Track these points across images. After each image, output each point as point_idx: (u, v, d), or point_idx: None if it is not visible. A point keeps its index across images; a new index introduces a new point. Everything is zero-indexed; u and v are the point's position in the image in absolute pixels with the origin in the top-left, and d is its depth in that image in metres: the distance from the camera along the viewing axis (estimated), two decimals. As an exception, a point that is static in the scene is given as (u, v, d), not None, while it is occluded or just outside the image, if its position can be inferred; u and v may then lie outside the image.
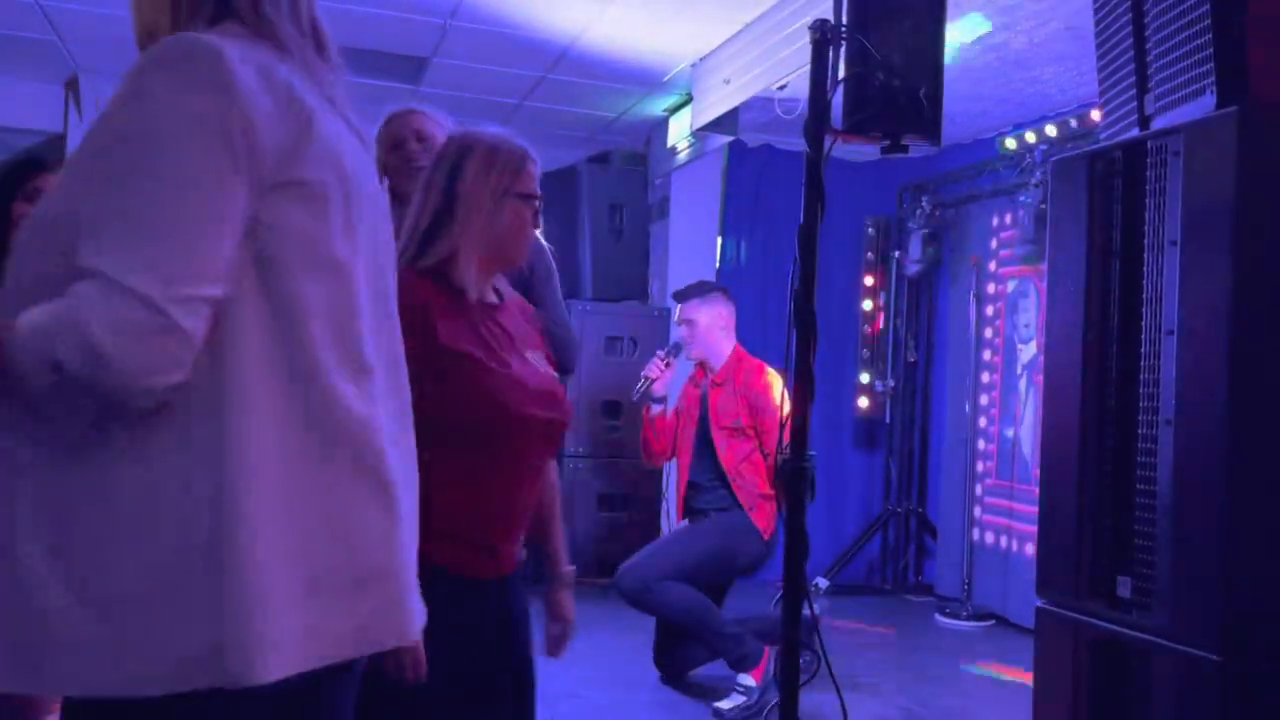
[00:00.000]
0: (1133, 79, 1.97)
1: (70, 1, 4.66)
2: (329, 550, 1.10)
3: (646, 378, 4.06)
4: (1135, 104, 1.96)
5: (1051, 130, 5.06)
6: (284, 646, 1.04)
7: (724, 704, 3.70)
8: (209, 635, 1.01)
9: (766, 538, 3.87)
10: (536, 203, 1.86)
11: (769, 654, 3.73)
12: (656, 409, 4.14)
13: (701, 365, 4.14)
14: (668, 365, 4.08)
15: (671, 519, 6.03)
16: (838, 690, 2.11)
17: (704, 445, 4.02)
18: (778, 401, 3.65)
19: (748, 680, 3.73)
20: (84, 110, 5.83)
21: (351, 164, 1.17)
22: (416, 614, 1.23)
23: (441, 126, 2.49)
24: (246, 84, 1.05)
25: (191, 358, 1.01)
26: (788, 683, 2.05)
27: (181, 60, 1.04)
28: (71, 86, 5.86)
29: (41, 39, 5.19)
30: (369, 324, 1.18)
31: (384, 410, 1.19)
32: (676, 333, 4.23)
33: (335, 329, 1.12)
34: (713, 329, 4.07)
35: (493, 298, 1.87)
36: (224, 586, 1.01)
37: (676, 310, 4.20)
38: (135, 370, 0.98)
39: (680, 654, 4.03)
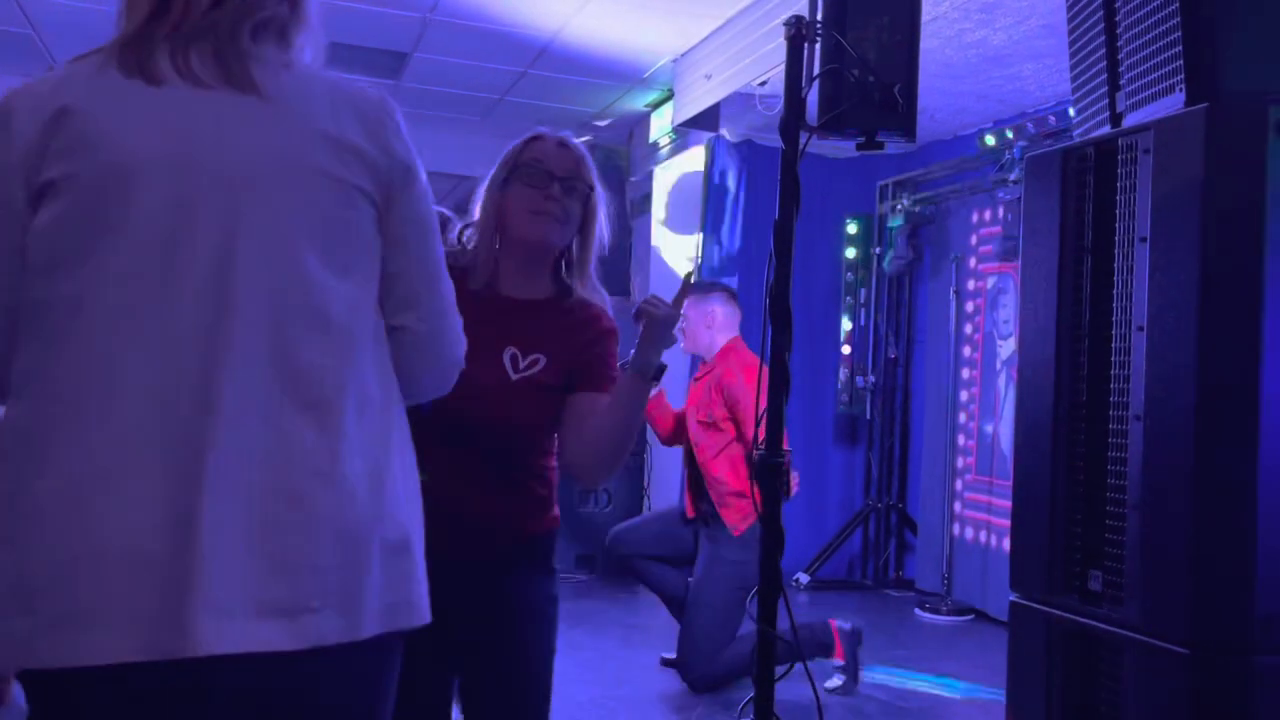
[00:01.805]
0: (1104, 76, 1.98)
1: (46, -6, 4.63)
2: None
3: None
4: (1107, 101, 1.97)
5: (1030, 127, 5.09)
6: None
7: (828, 684, 3.89)
8: None
9: (736, 535, 3.85)
10: (549, 174, 1.82)
11: (834, 626, 3.91)
12: (654, 390, 4.15)
13: (701, 360, 4.20)
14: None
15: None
16: (813, 685, 2.12)
17: (687, 439, 4.09)
18: (752, 389, 3.67)
19: (835, 662, 3.91)
20: None
21: (130, 136, 1.13)
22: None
23: None
24: (12, 114, 1.14)
25: None
26: (763, 677, 2.06)
27: None
28: (48, 80, 5.81)
29: (16, 32, 5.14)
30: (120, 312, 1.11)
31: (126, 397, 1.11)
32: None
33: (62, 329, 1.11)
34: (699, 326, 4.10)
35: (528, 293, 1.85)
36: None
37: None
38: None
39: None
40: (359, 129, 1.21)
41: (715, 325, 4.09)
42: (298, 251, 1.16)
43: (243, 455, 1.10)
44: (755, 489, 2.11)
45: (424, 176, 1.29)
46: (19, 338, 1.14)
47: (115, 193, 1.11)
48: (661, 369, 1.80)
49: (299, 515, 1.12)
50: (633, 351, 1.79)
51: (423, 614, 1.24)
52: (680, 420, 4.20)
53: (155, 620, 1.06)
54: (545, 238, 1.83)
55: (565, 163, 1.84)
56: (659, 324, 1.76)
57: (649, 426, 4.34)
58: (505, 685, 1.83)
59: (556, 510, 1.93)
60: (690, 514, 4.09)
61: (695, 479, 4.04)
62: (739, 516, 3.86)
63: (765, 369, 2.08)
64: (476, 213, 1.89)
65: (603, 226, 1.91)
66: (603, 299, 1.93)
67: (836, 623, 3.93)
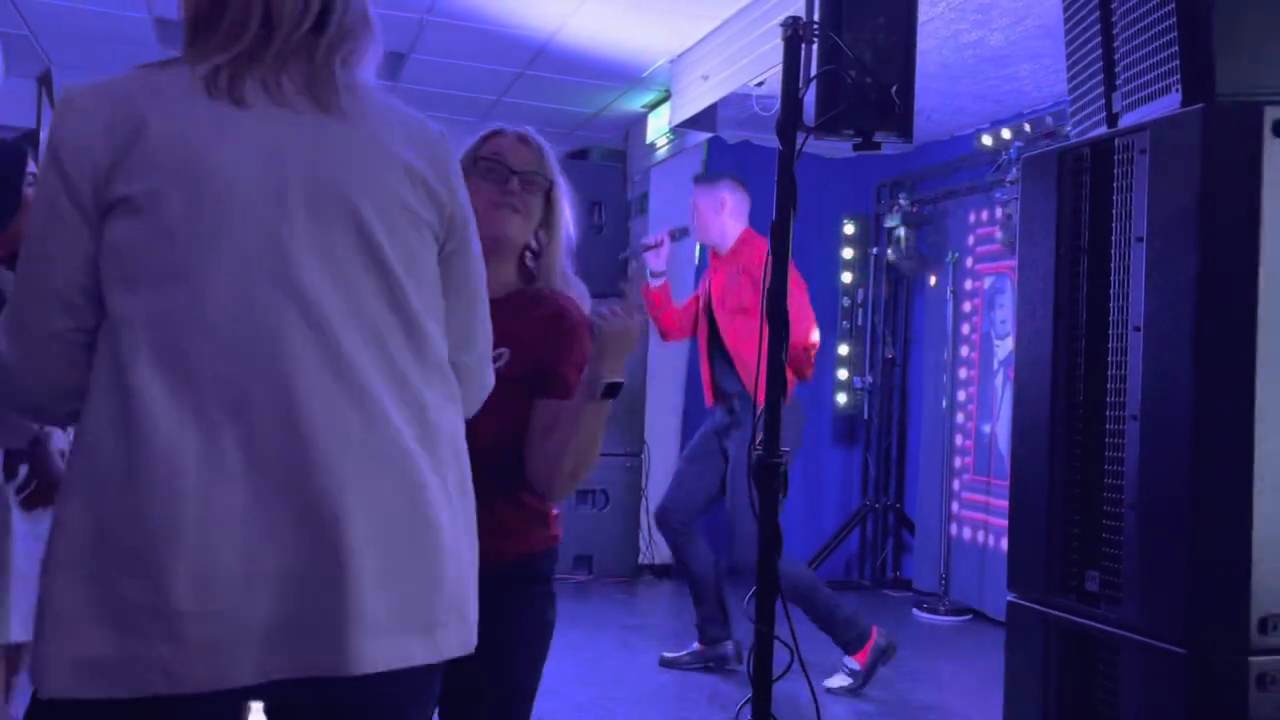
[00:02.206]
0: (1101, 76, 1.98)
1: (43, -4, 4.62)
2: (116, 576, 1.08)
3: (644, 244, 4.16)
4: (1103, 101, 1.98)
5: (1028, 127, 5.09)
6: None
7: (831, 682, 3.86)
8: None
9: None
10: (507, 169, 1.78)
11: (875, 631, 3.89)
12: (655, 283, 4.20)
13: (713, 252, 4.18)
14: (674, 239, 4.17)
15: (651, 514, 6.05)
16: (810, 685, 2.12)
17: (713, 328, 4.09)
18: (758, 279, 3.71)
19: (853, 663, 3.87)
20: (57, 105, 5.78)
21: (225, 159, 1.12)
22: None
23: None
24: (71, 118, 1.13)
25: (43, 381, 1.15)
26: (761, 677, 2.06)
27: None
28: (44, 81, 5.80)
29: (13, 33, 5.14)
30: (227, 331, 1.11)
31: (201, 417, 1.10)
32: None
33: (160, 343, 1.10)
34: (709, 212, 4.10)
35: (491, 289, 1.77)
36: (42, 604, 1.10)
37: None
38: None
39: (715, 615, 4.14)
40: (428, 164, 1.23)
41: (726, 210, 4.07)
42: (395, 281, 1.18)
43: (373, 478, 1.13)
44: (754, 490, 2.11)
45: (473, 213, 1.32)
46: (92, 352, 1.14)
47: (209, 214, 1.11)
48: (616, 387, 1.69)
49: (429, 537, 1.17)
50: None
51: (471, 637, 1.28)
52: (686, 316, 4.21)
53: (308, 639, 1.09)
54: (503, 231, 1.78)
55: (524, 157, 1.82)
56: (612, 338, 1.68)
57: (651, 325, 4.29)
58: None
59: (558, 529, 1.84)
60: (711, 402, 4.13)
61: (720, 368, 4.06)
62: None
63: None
64: None
65: (568, 219, 1.88)
66: (579, 291, 1.89)
67: (879, 630, 3.92)
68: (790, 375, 3.90)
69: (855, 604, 4.12)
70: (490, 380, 1.42)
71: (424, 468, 1.17)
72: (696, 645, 4.20)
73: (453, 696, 1.69)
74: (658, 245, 4.15)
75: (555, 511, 1.85)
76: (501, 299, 1.80)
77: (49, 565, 1.09)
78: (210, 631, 1.07)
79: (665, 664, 4.21)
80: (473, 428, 1.66)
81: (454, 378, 1.29)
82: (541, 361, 1.77)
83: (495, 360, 1.72)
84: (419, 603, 1.16)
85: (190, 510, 1.06)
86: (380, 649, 1.12)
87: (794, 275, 3.92)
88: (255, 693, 1.13)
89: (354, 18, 1.24)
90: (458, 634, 1.22)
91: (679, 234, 4.20)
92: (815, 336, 4.05)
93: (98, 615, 1.06)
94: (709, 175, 4.26)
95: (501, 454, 1.74)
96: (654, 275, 4.19)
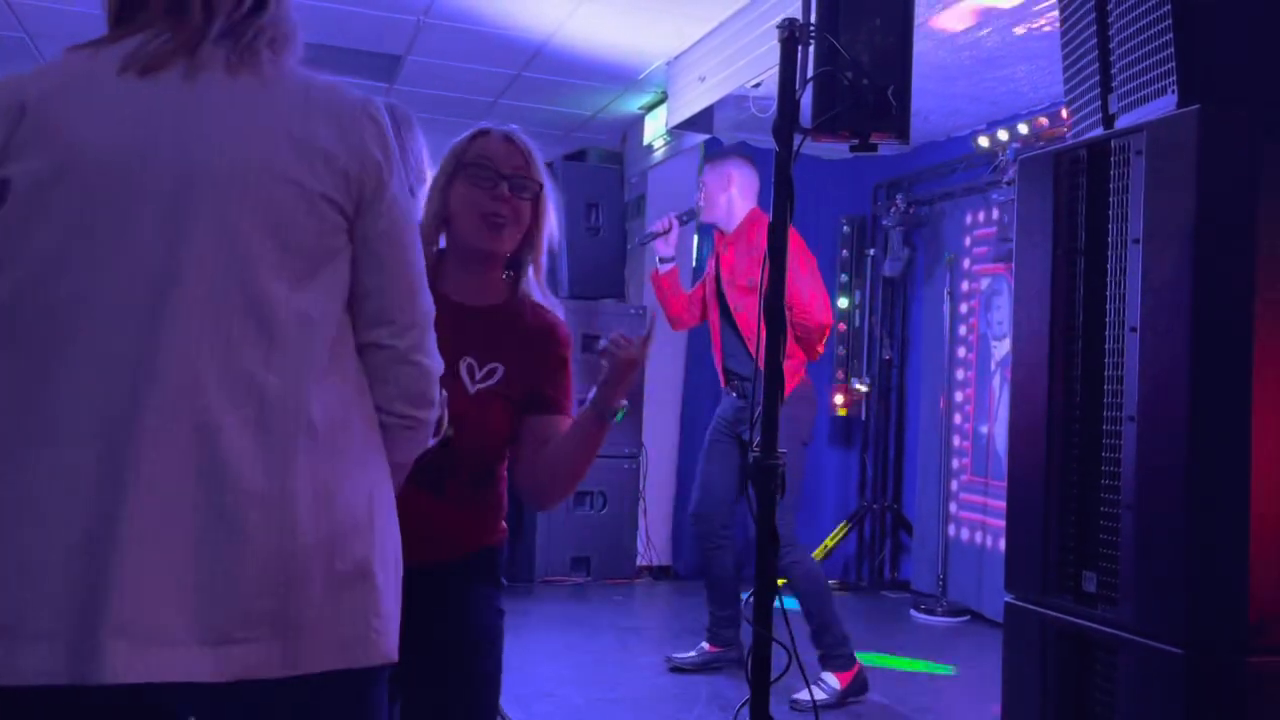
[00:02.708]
0: (1097, 78, 1.98)
1: (39, -2, 4.62)
2: None
3: (652, 231, 4.15)
4: (1100, 103, 1.98)
5: (1024, 128, 5.10)
6: None
7: (802, 695, 3.73)
8: None
9: (788, 393, 3.82)
10: (496, 173, 1.75)
11: (860, 665, 3.84)
12: (663, 268, 4.20)
13: (719, 231, 4.17)
14: (682, 223, 4.17)
15: (649, 515, 6.06)
16: (808, 686, 2.13)
17: (724, 307, 4.07)
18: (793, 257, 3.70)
19: (834, 681, 3.80)
20: None
21: (89, 136, 1.09)
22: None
23: None
24: None
25: None
26: (758, 678, 2.06)
27: None
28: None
29: (8, 35, 5.13)
30: (60, 316, 1.06)
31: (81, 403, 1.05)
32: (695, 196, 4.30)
33: (13, 328, 1.07)
34: (716, 190, 4.08)
35: (478, 298, 1.78)
36: None
37: None
38: None
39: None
40: (332, 133, 1.15)
41: (734, 186, 4.05)
42: (249, 258, 1.10)
43: (173, 470, 1.04)
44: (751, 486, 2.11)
45: (400, 184, 1.21)
46: None
47: (61, 187, 1.08)
48: (622, 410, 1.72)
49: (229, 537, 1.05)
50: (594, 390, 1.72)
51: (385, 651, 1.15)
52: (694, 301, 4.20)
53: (73, 643, 1.01)
54: (495, 246, 1.77)
55: (513, 159, 1.78)
56: (624, 366, 1.70)
57: (660, 310, 4.24)
58: (451, 710, 1.73)
59: (504, 522, 1.86)
60: (724, 383, 4.12)
61: (731, 349, 4.05)
62: (787, 373, 3.85)
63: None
64: (419, 213, 1.82)
65: (552, 225, 1.85)
66: (552, 304, 1.87)
67: (861, 666, 3.87)
68: (798, 366, 3.93)
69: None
70: (438, 362, 1.26)
71: (244, 463, 1.06)
72: (706, 645, 4.18)
73: (419, 690, 1.71)
74: (666, 231, 4.15)
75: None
76: (489, 310, 1.81)
77: None
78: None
79: (675, 667, 4.15)
80: (458, 435, 1.66)
81: (351, 359, 1.19)
82: (532, 382, 1.77)
83: (489, 377, 1.74)
84: (211, 612, 1.04)
85: None
86: (146, 660, 1.01)
87: (802, 251, 3.93)
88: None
89: (287, 7, 1.23)
90: (271, 653, 1.07)
91: (686, 217, 4.23)
92: (827, 316, 4.00)
93: None
94: (716, 153, 4.24)
95: (484, 461, 1.77)
96: (662, 261, 4.20)
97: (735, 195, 4.08)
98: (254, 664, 1.06)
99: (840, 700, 3.79)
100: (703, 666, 4.15)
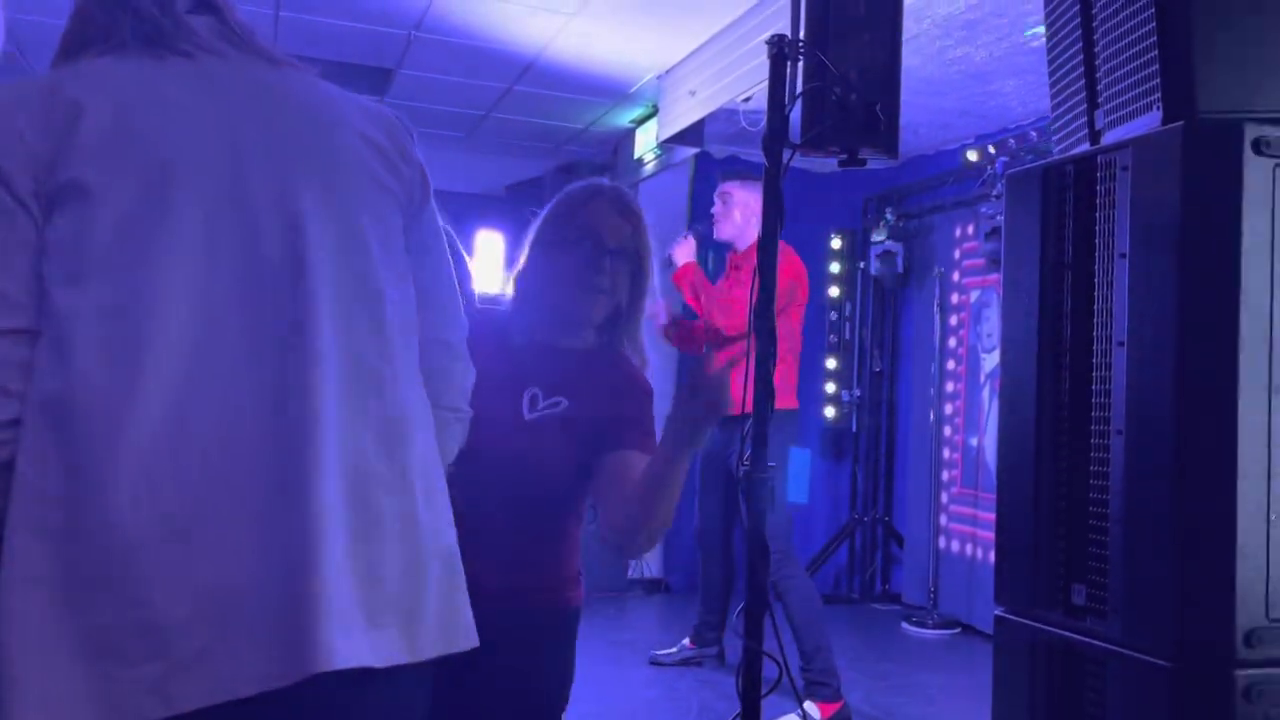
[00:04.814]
0: (1083, 94, 2.00)
1: (29, 14, 4.61)
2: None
3: (670, 256, 4.24)
4: (1086, 119, 1.99)
5: (1012, 143, 5.13)
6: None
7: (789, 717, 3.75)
8: None
9: (779, 406, 3.81)
10: (602, 248, 1.73)
11: (844, 706, 3.82)
12: (673, 271, 4.30)
13: (732, 249, 4.22)
14: (699, 237, 4.32)
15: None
16: (799, 699, 2.12)
17: None
18: (786, 284, 3.77)
19: (815, 712, 3.77)
20: None
21: (173, 136, 1.05)
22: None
23: None
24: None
25: None
26: (749, 693, 2.06)
27: None
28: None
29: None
30: (192, 319, 1.03)
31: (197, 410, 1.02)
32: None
33: (107, 338, 1.01)
34: (732, 208, 4.17)
35: (568, 343, 1.78)
36: (7, 642, 0.98)
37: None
38: None
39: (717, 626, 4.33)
40: (386, 137, 1.18)
41: (749, 207, 4.12)
42: (364, 250, 1.11)
43: (333, 470, 1.05)
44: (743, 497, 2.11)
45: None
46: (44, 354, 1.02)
47: (160, 197, 1.03)
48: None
49: (372, 524, 1.07)
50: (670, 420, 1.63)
51: (472, 636, 1.18)
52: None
53: (284, 641, 1.00)
54: (591, 313, 1.77)
55: (620, 234, 1.78)
56: (712, 386, 1.59)
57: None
58: None
59: (581, 590, 1.80)
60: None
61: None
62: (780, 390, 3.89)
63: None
64: (520, 262, 1.82)
65: (655, 285, 1.84)
66: (643, 360, 1.85)
67: (847, 704, 3.87)
68: (784, 386, 3.96)
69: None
70: (467, 370, 1.29)
71: (380, 459, 1.09)
72: (687, 642, 4.45)
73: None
74: (685, 242, 4.28)
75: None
76: (571, 353, 1.80)
77: (4, 598, 0.98)
78: (198, 639, 0.98)
79: (654, 662, 4.40)
80: (517, 458, 1.64)
81: (415, 347, 1.20)
82: (609, 416, 1.72)
83: (551, 407, 1.71)
84: (370, 601, 1.07)
85: (159, 513, 0.98)
86: (346, 647, 1.03)
87: (790, 254, 3.96)
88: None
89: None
90: (401, 640, 1.09)
91: (700, 231, 4.33)
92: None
93: (73, 643, 0.96)
94: (746, 172, 4.27)
95: (553, 498, 1.74)
96: (674, 265, 4.29)
97: (750, 215, 4.11)
98: (394, 650, 1.08)
99: None
100: (682, 662, 4.37)
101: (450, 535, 1.18)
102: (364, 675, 1.04)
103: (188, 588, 0.99)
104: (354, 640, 1.03)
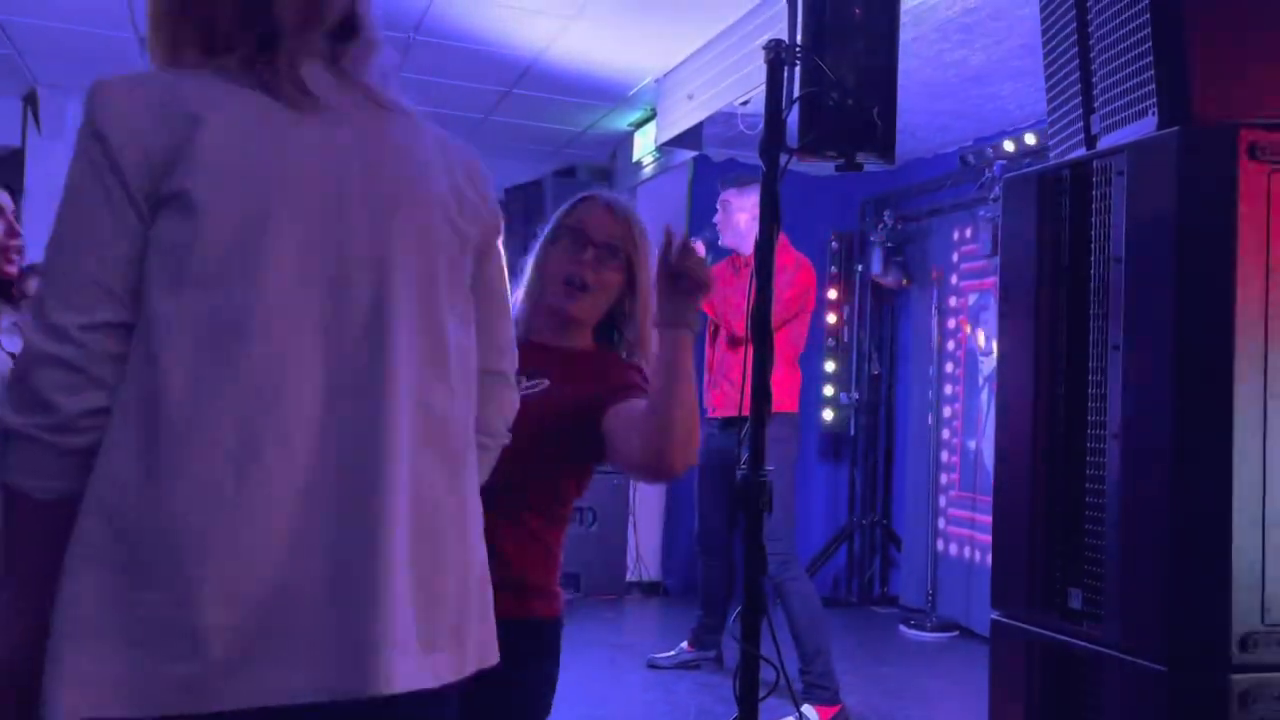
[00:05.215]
0: (1079, 99, 2.00)
1: (27, 16, 4.62)
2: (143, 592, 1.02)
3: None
4: (1082, 123, 2.00)
5: (1010, 145, 5.14)
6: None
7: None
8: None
9: (780, 409, 3.78)
10: (585, 239, 1.77)
11: (843, 709, 3.83)
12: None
13: (736, 254, 4.26)
14: (707, 246, 4.28)
15: (639, 531, 6.05)
16: (796, 703, 2.13)
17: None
18: (785, 284, 3.77)
19: (814, 716, 3.78)
20: (43, 124, 5.77)
21: (286, 164, 1.10)
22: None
23: None
24: (116, 106, 1.06)
25: (73, 377, 1.03)
26: (747, 696, 2.06)
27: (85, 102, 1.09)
28: (30, 100, 5.80)
29: (-1, 52, 5.14)
30: (279, 345, 1.07)
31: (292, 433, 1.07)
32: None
33: (206, 346, 1.05)
34: (737, 214, 4.16)
35: (565, 342, 1.80)
36: (55, 623, 1.03)
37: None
38: (19, 405, 1.03)
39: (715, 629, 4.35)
40: (468, 181, 1.24)
41: (754, 212, 4.10)
42: (436, 296, 1.17)
43: (402, 497, 1.10)
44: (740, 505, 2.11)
45: None
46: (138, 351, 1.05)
47: (265, 217, 1.07)
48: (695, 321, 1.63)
49: (433, 551, 1.13)
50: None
51: (495, 652, 1.24)
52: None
53: (341, 658, 1.05)
54: (570, 311, 1.79)
55: (604, 229, 1.80)
56: (690, 265, 1.59)
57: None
58: None
59: (559, 601, 1.80)
60: (715, 414, 4.18)
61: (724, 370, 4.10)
62: (781, 393, 3.91)
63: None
64: (529, 266, 1.87)
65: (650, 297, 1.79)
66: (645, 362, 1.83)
67: (845, 707, 3.87)
68: (783, 388, 3.96)
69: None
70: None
71: (444, 490, 1.16)
72: (685, 645, 4.46)
73: None
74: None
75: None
76: (566, 350, 1.80)
77: (66, 579, 1.03)
78: (239, 647, 1.02)
79: (652, 665, 4.40)
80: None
81: (474, 386, 1.26)
82: (599, 390, 1.71)
83: (533, 387, 1.70)
84: (428, 623, 1.12)
85: (223, 521, 1.03)
86: (404, 668, 1.08)
87: (797, 255, 3.97)
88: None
89: (376, 30, 1.24)
90: (452, 659, 1.16)
91: (708, 239, 4.35)
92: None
93: (117, 631, 1.01)
94: (744, 177, 4.29)
95: (533, 478, 1.70)
96: None
97: (752, 221, 4.13)
98: (447, 671, 1.14)
99: None
100: (680, 666, 4.37)
101: (484, 553, 1.24)
102: (415, 693, 1.10)
103: (240, 595, 1.02)
104: (413, 662, 1.09)
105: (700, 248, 4.31)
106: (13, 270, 2.08)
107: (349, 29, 1.20)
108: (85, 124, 1.07)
